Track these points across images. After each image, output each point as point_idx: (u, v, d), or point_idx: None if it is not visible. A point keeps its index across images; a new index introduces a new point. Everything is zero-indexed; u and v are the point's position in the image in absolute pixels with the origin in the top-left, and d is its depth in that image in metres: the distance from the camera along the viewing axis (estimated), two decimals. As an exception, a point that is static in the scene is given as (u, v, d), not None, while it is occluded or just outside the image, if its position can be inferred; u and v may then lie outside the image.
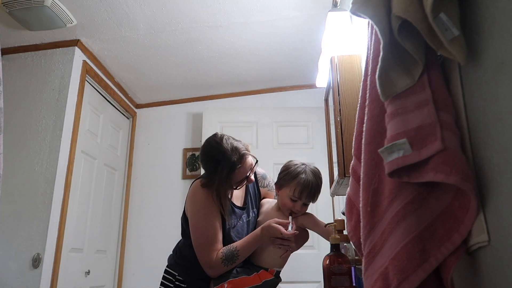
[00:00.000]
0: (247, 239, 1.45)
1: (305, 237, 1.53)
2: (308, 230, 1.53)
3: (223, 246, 1.44)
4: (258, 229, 1.45)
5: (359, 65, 1.44)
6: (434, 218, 0.66)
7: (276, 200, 1.56)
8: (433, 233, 0.64)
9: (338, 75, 1.44)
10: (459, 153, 0.61)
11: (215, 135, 1.49)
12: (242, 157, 1.43)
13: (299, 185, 1.43)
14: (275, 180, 1.54)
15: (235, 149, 1.42)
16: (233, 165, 1.40)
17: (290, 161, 1.53)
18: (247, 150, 1.47)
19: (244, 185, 1.55)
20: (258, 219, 1.58)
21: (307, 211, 1.52)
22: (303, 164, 1.50)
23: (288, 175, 1.47)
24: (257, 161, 1.51)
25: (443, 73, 0.71)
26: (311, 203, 1.51)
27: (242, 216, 1.53)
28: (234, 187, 1.47)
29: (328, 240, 1.38)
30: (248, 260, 1.51)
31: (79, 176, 2.54)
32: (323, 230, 1.45)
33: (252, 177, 1.50)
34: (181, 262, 1.50)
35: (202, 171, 1.61)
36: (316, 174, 1.48)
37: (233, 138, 1.48)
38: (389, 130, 0.69)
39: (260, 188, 1.67)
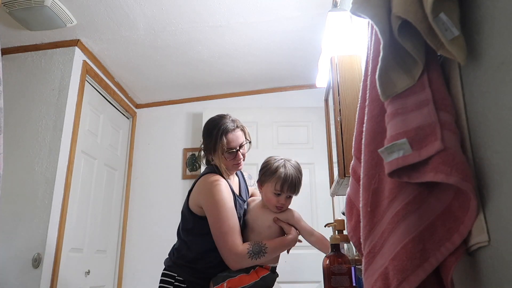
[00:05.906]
0: (276, 240, 1.49)
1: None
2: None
3: None
4: (290, 236, 1.49)
5: (359, 65, 1.44)
6: (434, 218, 0.65)
7: (261, 198, 1.58)
8: (433, 233, 0.64)
9: (338, 75, 1.44)
10: (459, 153, 0.61)
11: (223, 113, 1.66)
12: (236, 127, 1.57)
13: (279, 178, 1.46)
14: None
15: (234, 121, 1.60)
16: (227, 128, 1.54)
17: (270, 157, 1.57)
18: (245, 130, 1.61)
19: (235, 167, 1.59)
20: (246, 217, 1.58)
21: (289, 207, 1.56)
22: (281, 158, 1.53)
23: (268, 170, 1.50)
24: (250, 141, 1.63)
25: (443, 73, 0.71)
26: (296, 198, 1.54)
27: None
28: (222, 154, 1.54)
29: (306, 239, 1.52)
30: None
31: (79, 176, 2.54)
32: (303, 227, 1.51)
33: (241, 156, 1.56)
34: (181, 262, 1.49)
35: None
36: (296, 167, 1.52)
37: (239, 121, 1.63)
38: (389, 130, 0.69)
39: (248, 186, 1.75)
